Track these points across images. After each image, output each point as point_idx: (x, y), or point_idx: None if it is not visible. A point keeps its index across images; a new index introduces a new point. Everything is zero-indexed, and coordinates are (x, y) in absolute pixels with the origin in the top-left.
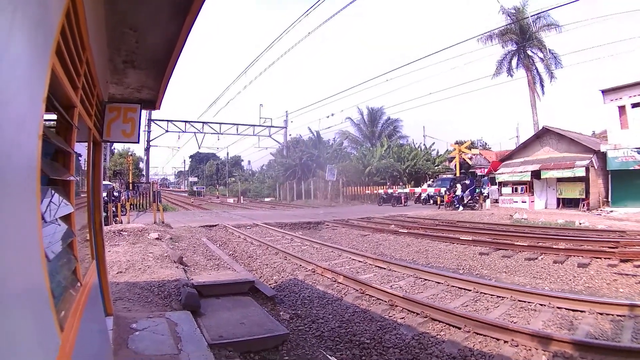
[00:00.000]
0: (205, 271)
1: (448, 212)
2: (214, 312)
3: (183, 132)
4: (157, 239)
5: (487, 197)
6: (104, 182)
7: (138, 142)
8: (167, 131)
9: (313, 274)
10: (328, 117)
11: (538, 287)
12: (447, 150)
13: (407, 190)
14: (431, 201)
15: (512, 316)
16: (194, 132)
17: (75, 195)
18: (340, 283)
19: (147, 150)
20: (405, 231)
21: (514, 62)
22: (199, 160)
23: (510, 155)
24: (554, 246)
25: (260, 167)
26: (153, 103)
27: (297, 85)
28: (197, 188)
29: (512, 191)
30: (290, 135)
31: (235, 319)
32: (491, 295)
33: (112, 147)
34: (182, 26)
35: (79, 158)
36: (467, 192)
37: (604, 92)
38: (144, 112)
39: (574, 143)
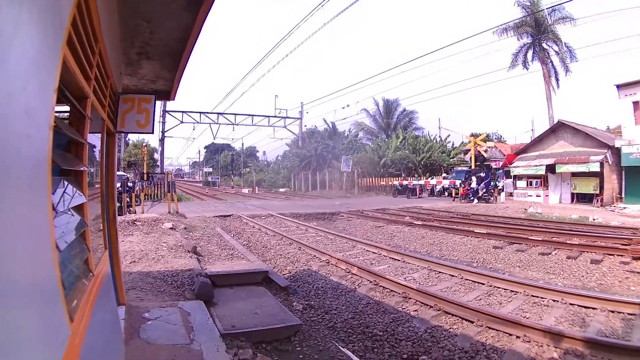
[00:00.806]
0: (219, 261)
1: (463, 205)
2: (227, 302)
3: (198, 123)
4: (171, 228)
5: (502, 190)
6: (118, 173)
7: (152, 133)
8: (181, 122)
9: (327, 265)
10: (343, 108)
11: (551, 282)
12: (463, 142)
13: (422, 182)
14: (446, 193)
15: (525, 311)
16: (209, 123)
17: (89, 185)
18: (354, 274)
19: (161, 140)
20: (420, 223)
21: (530, 55)
22: (213, 150)
23: (525, 149)
24: (568, 241)
25: (275, 157)
26: (168, 94)
27: (312, 77)
28: (211, 178)
29: (527, 185)
30: (305, 126)
31: (248, 309)
32: (505, 289)
33: (127, 138)
34: (196, 16)
35: (94, 149)
36: (482, 185)
37: (618, 87)
38: (158, 103)
39: (589, 138)
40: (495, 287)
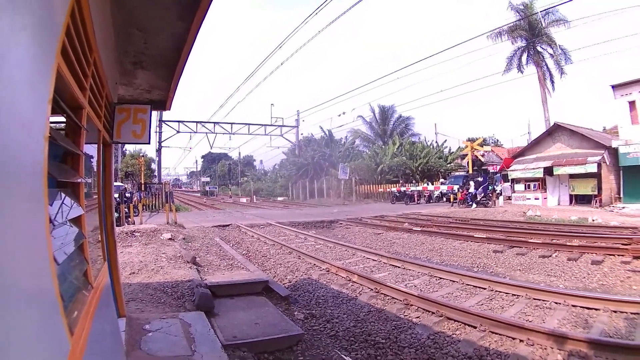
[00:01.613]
0: (219, 271)
1: (461, 210)
2: (227, 312)
3: (194, 132)
4: (170, 239)
5: (500, 194)
6: (116, 183)
7: (149, 143)
8: (178, 132)
9: (327, 273)
10: (339, 115)
11: (552, 284)
12: (459, 147)
13: (419, 188)
14: (444, 199)
15: (527, 315)
16: (206, 133)
17: (87, 196)
18: (355, 282)
19: (158, 151)
20: (419, 229)
21: (524, 58)
22: (210, 160)
23: (522, 152)
24: (568, 243)
25: (272, 166)
26: (163, 103)
27: (308, 85)
28: (209, 188)
29: (525, 188)
30: (302, 134)
31: (249, 319)
32: (506, 293)
33: (124, 149)
34: (190, 25)
35: (91, 160)
36: (480, 190)
37: (614, 87)
38: (154, 113)
39: (586, 139)
40: (496, 291)
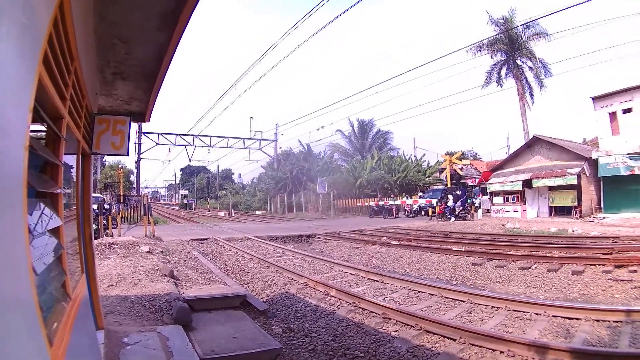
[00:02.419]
0: (197, 285)
1: (440, 223)
2: (205, 326)
3: (174, 145)
4: (148, 252)
5: (479, 207)
6: (95, 195)
7: (127, 155)
8: (157, 144)
9: (305, 288)
10: (318, 129)
11: (533, 296)
12: (438, 161)
13: (398, 202)
14: (422, 212)
15: (507, 326)
16: (185, 145)
17: (65, 207)
18: (333, 296)
19: (137, 163)
20: (397, 243)
21: (503, 72)
22: (189, 173)
23: (501, 165)
24: (548, 254)
25: (251, 180)
26: (143, 115)
27: (287, 98)
28: (188, 201)
29: (504, 201)
30: (280, 148)
31: (227, 333)
32: (485, 305)
33: (103, 160)
34: (171, 36)
35: (70, 170)
36: (458, 203)
37: (594, 99)
38: (134, 125)
39: (565, 151)
40: (476, 303)
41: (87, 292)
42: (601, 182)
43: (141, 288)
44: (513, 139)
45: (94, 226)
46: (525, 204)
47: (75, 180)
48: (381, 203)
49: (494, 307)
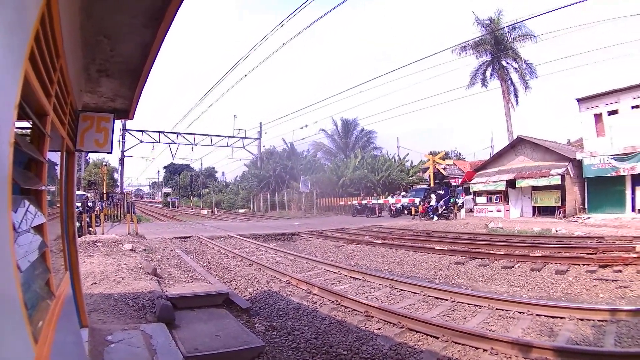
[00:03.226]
0: (180, 283)
1: (422, 222)
2: (188, 324)
3: (157, 142)
4: (131, 250)
5: (462, 206)
6: (78, 192)
7: (111, 152)
8: (141, 141)
9: (288, 286)
10: (302, 128)
11: (516, 295)
12: (421, 160)
13: (381, 201)
14: (405, 212)
15: (490, 325)
16: (168, 143)
17: (49, 205)
18: (316, 294)
19: (121, 160)
20: (380, 242)
21: (489, 72)
22: (173, 171)
23: (484, 165)
24: (531, 254)
25: (234, 178)
26: (127, 112)
27: (271, 97)
28: (171, 199)
29: (487, 201)
30: (264, 146)
31: (210, 331)
32: (468, 304)
33: (87, 157)
34: (156, 34)
35: (55, 167)
36: (441, 202)
37: (579, 100)
38: (118, 122)
39: (549, 152)
40: (458, 302)
41: (71, 289)
42: (586, 183)
43: (124, 286)
44: (497, 139)
45: (78, 224)
46: (508, 204)
47: (59, 178)
48: (364, 202)
49: (477, 305)
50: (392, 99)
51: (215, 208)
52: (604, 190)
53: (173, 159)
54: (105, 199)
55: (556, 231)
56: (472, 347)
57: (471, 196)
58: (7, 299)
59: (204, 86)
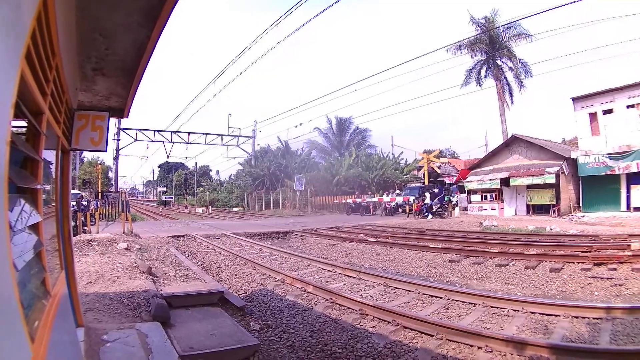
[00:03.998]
0: (175, 282)
1: (417, 221)
2: (184, 323)
3: (152, 141)
4: (126, 249)
5: (456, 205)
6: (73, 191)
7: (106, 151)
8: (136, 140)
9: (282, 284)
10: (296, 126)
11: (510, 293)
12: (416, 159)
13: (375, 199)
14: (400, 210)
15: (485, 322)
16: (163, 142)
17: (45, 204)
18: (310, 293)
19: (116, 159)
20: (375, 240)
21: (483, 71)
22: (167, 169)
23: (479, 164)
24: (525, 252)
25: (228, 177)
26: (122, 111)
27: (266, 95)
28: (165, 198)
29: (481, 199)
30: (258, 145)
31: (205, 330)
32: (463, 302)
33: (82, 156)
34: (151, 32)
35: (50, 166)
36: (436, 201)
37: (574, 99)
38: (113, 121)
39: (544, 150)
40: (453, 300)
41: (66, 289)
42: (580, 182)
43: (119, 285)
44: (492, 138)
45: (73, 223)
46: (502, 202)
47: (54, 177)
48: (358, 200)
49: (472, 303)
50: (387, 97)
51: (210, 206)
52: (598, 188)
53: (167, 157)
54: (100, 197)
55: (551, 229)
56: (467, 344)
57: (465, 194)
58: (4, 298)
59: (198, 85)
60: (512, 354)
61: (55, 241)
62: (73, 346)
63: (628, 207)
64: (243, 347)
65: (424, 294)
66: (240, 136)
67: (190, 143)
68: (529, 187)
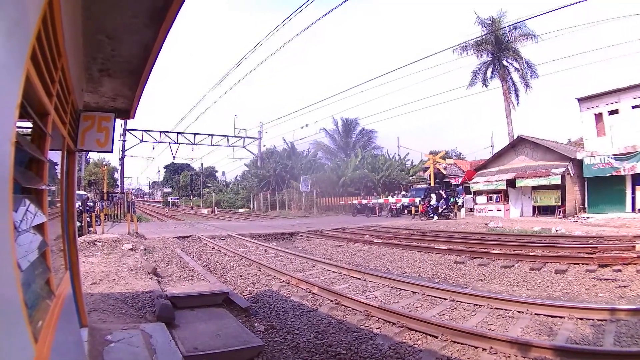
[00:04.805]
0: (179, 282)
1: (422, 222)
2: (188, 323)
3: (158, 142)
4: (131, 249)
5: (462, 206)
6: (79, 192)
7: (112, 152)
8: (141, 141)
9: (287, 285)
10: (302, 127)
11: (515, 294)
12: (422, 160)
13: (381, 200)
14: (405, 211)
15: (489, 324)
16: (169, 143)
17: (50, 204)
18: (315, 294)
19: (121, 160)
20: (380, 241)
21: (489, 72)
22: (173, 170)
23: (485, 165)
24: (530, 253)
25: (234, 178)
26: (128, 112)
27: (272, 96)
28: (171, 199)
29: (487, 200)
30: (264, 146)
31: (209, 330)
32: (468, 303)
33: (87, 157)
34: (157, 33)
35: (55, 167)
36: (441, 202)
37: (580, 100)
38: (119, 122)
39: (550, 151)
40: (458, 301)
41: (70, 289)
42: (586, 183)
43: (124, 285)
44: (497, 139)
45: (78, 223)
46: (508, 204)
47: (59, 177)
48: (364, 201)
49: (476, 304)
50: (393, 98)
51: (216, 208)
52: (604, 189)
53: (173, 158)
54: (105, 198)
55: (556, 231)
56: (472, 346)
57: (471, 196)
58: (7, 298)
59: (205, 86)
60: (516, 356)
61: (60, 241)
62: (77, 346)
63: (633, 209)
64: (247, 348)
65: (429, 296)
66: (246, 137)
67: (196, 144)
68: (535, 188)
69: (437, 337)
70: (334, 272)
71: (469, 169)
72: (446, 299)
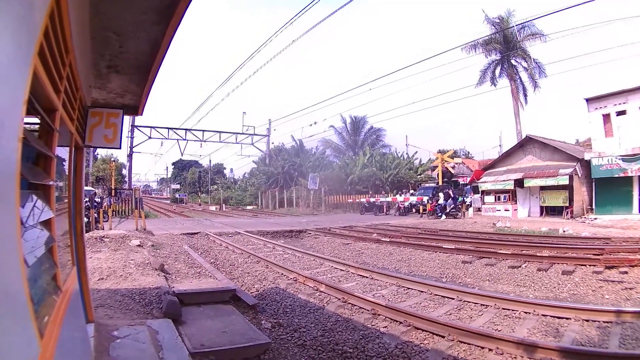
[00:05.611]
0: (187, 279)
1: (430, 221)
2: (195, 320)
3: (166, 138)
4: (138, 246)
5: (470, 205)
6: (86, 188)
7: (120, 148)
8: (150, 137)
9: (295, 283)
10: (311, 125)
11: (522, 295)
12: (430, 159)
13: (389, 199)
14: (413, 210)
15: (496, 324)
16: (177, 139)
17: (57, 200)
18: (322, 292)
19: (129, 156)
20: (388, 240)
21: (498, 71)
22: (181, 167)
23: (493, 164)
24: (538, 254)
25: (242, 175)
26: (136, 108)
27: (280, 93)
28: (179, 195)
29: (495, 200)
30: (272, 143)
31: (216, 327)
32: (475, 303)
33: (95, 153)
34: (166, 30)
35: (63, 163)
36: (449, 201)
37: (588, 100)
38: (127, 118)
39: (558, 151)
40: (465, 301)
41: (77, 285)
42: (593, 183)
43: (131, 282)
44: (506, 138)
45: (85, 219)
46: (516, 204)
47: (67, 173)
48: (372, 200)
49: (484, 305)
50: (402, 96)
51: (224, 204)
52: (611, 191)
53: (182, 155)
54: (113, 194)
55: (563, 231)
56: (478, 346)
57: (479, 195)
58: (13, 293)
59: (213, 83)
60: (522, 357)
61: (68, 237)
62: (83, 342)
63: None
64: (254, 345)
65: (436, 295)
66: (254, 134)
67: (205, 141)
68: (543, 188)
69: (443, 337)
70: (341, 270)
71: (477, 168)
72: (453, 299)
